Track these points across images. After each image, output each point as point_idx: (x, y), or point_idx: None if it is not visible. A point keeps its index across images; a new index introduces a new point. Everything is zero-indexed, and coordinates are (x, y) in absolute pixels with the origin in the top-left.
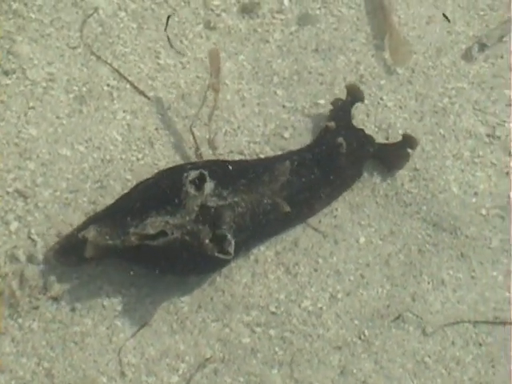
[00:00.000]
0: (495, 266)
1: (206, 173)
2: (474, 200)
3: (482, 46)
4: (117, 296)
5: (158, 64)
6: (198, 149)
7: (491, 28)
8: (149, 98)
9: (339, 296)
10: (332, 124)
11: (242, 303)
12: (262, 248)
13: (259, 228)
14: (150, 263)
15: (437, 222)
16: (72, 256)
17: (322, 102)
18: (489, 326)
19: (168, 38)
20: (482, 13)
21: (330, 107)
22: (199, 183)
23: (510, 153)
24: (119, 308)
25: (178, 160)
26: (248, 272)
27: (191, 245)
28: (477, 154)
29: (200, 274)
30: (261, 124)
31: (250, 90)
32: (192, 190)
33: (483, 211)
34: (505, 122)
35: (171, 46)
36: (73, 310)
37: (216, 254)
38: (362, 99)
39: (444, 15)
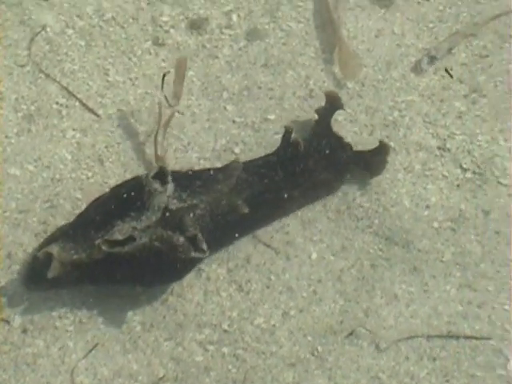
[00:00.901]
0: (448, 280)
1: (166, 168)
2: (425, 213)
3: (432, 59)
4: (68, 316)
5: (107, 81)
6: (158, 159)
7: (440, 40)
8: (98, 116)
9: (292, 313)
10: (290, 126)
11: (195, 321)
12: (214, 266)
13: (220, 229)
14: (117, 276)
15: (389, 235)
16: (42, 280)
17: (271, 117)
18: (442, 339)
19: (162, 87)
20: (430, 25)
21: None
22: (161, 181)
23: (460, 165)
24: (71, 328)
25: (128, 178)
26: (200, 290)
27: (160, 250)
28: (428, 167)
29: (167, 282)
30: (211, 140)
31: (199, 105)
32: (156, 185)
33: (435, 224)
34: (455, 134)
35: (165, 99)
36: (24, 331)
37: (192, 254)
38: (341, 106)
39: (446, 70)
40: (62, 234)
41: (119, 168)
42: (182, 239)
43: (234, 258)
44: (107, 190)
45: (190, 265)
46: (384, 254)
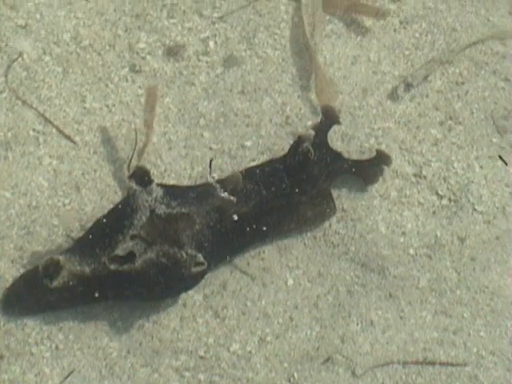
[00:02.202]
0: (424, 306)
1: (147, 168)
2: (401, 240)
3: (408, 86)
4: (45, 343)
5: (84, 108)
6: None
7: (416, 68)
8: (75, 143)
9: (268, 339)
10: (307, 133)
11: (171, 348)
12: (190, 292)
13: (225, 240)
14: (124, 292)
15: (365, 262)
16: (15, 307)
17: (248, 143)
18: (418, 366)
19: (210, 170)
20: (407, 52)
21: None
22: (144, 182)
23: (436, 192)
24: (47, 355)
25: (105, 205)
26: (176, 316)
27: (166, 266)
28: (404, 194)
29: (176, 294)
30: (188, 167)
31: (176, 132)
32: (133, 184)
33: (411, 251)
34: (431, 161)
35: (212, 178)
36: (1, 357)
37: (193, 269)
38: (337, 122)
39: (500, 157)
40: (68, 249)
41: (96, 195)
42: (183, 255)
43: (210, 284)
44: (84, 217)
45: (198, 276)
46: (360, 281)
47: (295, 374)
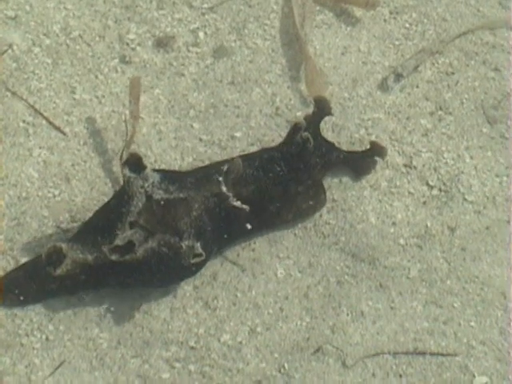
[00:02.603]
0: (414, 296)
1: (140, 155)
2: (392, 230)
3: (398, 76)
4: (35, 333)
5: (74, 99)
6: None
7: (406, 58)
8: (65, 134)
9: (258, 330)
10: (301, 121)
11: (161, 339)
12: (181, 282)
13: (225, 227)
14: (126, 280)
15: (355, 252)
16: (9, 296)
17: (238, 134)
18: (409, 356)
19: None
20: (397, 42)
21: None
22: (137, 169)
23: (426, 182)
24: (37, 346)
25: (94, 196)
26: (166, 307)
27: (167, 256)
28: (394, 184)
29: (180, 281)
30: (178, 157)
31: (166, 123)
32: (126, 171)
33: (401, 241)
34: (421, 151)
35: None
36: None
37: (192, 261)
38: (329, 112)
39: None
40: (71, 238)
41: (86, 186)
42: (182, 246)
43: (200, 275)
44: (74, 208)
45: (200, 263)
46: (350, 271)
47: (285, 365)
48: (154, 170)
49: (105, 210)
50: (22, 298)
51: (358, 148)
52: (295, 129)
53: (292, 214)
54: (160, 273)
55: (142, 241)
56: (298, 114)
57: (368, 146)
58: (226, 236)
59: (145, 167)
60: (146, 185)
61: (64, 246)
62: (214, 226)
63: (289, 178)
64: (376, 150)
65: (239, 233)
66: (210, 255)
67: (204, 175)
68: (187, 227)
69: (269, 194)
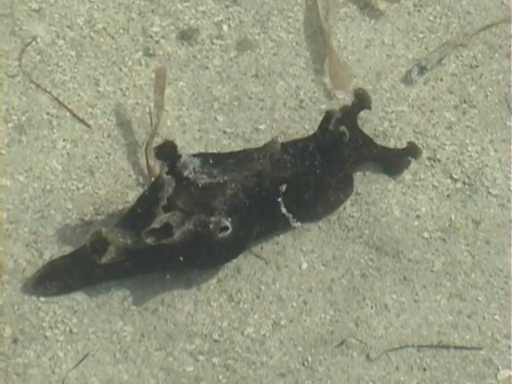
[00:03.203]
0: (438, 290)
1: (172, 141)
2: (416, 223)
3: (422, 69)
4: (58, 326)
5: (98, 91)
6: (149, 172)
7: (430, 51)
8: (89, 126)
9: (282, 323)
10: (333, 110)
11: (185, 331)
12: (205, 275)
13: (259, 207)
14: (169, 266)
15: (379, 245)
16: (53, 284)
17: (262, 127)
18: (433, 350)
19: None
20: (421, 35)
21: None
22: (171, 156)
23: (450, 175)
24: (61, 338)
25: (118, 188)
26: (190, 300)
27: (204, 236)
28: (418, 177)
29: (221, 264)
30: (202, 150)
31: (190, 116)
32: (152, 161)
33: (425, 234)
34: (445, 144)
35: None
36: (15, 341)
37: (219, 235)
38: (368, 105)
39: None
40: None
41: (110, 179)
42: (210, 220)
43: (224, 268)
44: (97, 200)
45: (240, 245)
46: (374, 264)
47: (309, 358)
48: (194, 156)
49: (145, 196)
50: (65, 285)
51: (392, 145)
52: (328, 117)
53: (322, 207)
54: (201, 254)
55: (179, 223)
56: (322, 106)
57: (404, 145)
58: (267, 217)
59: (179, 155)
60: (187, 172)
61: (105, 230)
62: (251, 204)
63: (322, 168)
64: (412, 151)
65: (280, 216)
66: (251, 233)
67: (245, 155)
68: (221, 205)
69: (305, 181)
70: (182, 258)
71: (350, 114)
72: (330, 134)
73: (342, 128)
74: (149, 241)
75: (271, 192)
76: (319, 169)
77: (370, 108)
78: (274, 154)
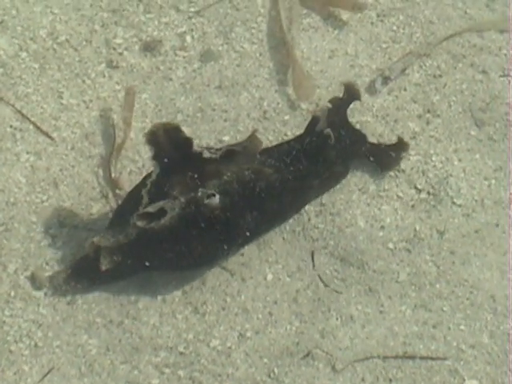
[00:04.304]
0: (403, 300)
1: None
2: (380, 234)
3: (385, 79)
4: (23, 340)
5: (61, 104)
6: (109, 187)
7: (394, 61)
8: (52, 139)
9: (248, 334)
10: (319, 112)
11: (151, 344)
12: (170, 287)
13: (251, 198)
14: (165, 259)
15: (344, 256)
16: (83, 279)
17: (226, 138)
18: (398, 360)
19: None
20: (384, 45)
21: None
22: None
23: (415, 186)
24: (26, 352)
25: (83, 201)
26: (156, 312)
27: (195, 216)
28: (382, 188)
29: (200, 266)
30: None
31: None
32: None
33: (390, 245)
34: (409, 155)
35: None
36: None
37: (206, 202)
38: (358, 98)
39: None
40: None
41: (74, 191)
42: (198, 192)
43: (189, 280)
44: (62, 213)
45: (221, 248)
46: (339, 275)
47: (275, 370)
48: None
49: (133, 193)
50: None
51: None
52: (313, 121)
53: (302, 206)
54: (195, 242)
55: (174, 210)
56: (317, 107)
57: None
58: (259, 210)
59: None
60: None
61: (96, 239)
62: (244, 194)
63: (307, 171)
64: (400, 146)
65: (272, 212)
66: (239, 224)
67: (231, 149)
68: (214, 187)
69: (288, 186)
70: (177, 248)
71: (340, 108)
72: (317, 137)
73: (328, 130)
74: (139, 223)
75: (263, 188)
76: (304, 172)
77: (360, 99)
78: (256, 144)
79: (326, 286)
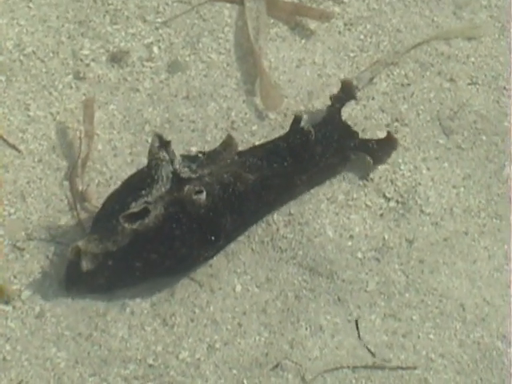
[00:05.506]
0: (372, 310)
1: (163, 137)
2: (349, 243)
3: None
4: None
5: (28, 116)
6: (75, 200)
7: (361, 70)
8: (19, 151)
9: (217, 346)
10: (299, 114)
11: (119, 357)
12: (138, 300)
13: (232, 199)
14: (147, 262)
15: (313, 266)
16: (82, 284)
17: (194, 149)
18: (368, 370)
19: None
20: (352, 54)
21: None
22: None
23: (383, 195)
24: None
25: (50, 213)
26: (124, 325)
27: (179, 216)
28: (351, 197)
29: (183, 271)
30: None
31: (121, 139)
32: (164, 154)
33: (359, 254)
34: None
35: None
36: None
37: (193, 198)
38: (354, 97)
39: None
40: (89, 231)
41: (41, 204)
42: (185, 188)
43: (157, 291)
44: (30, 226)
45: (202, 253)
46: (308, 285)
47: (245, 381)
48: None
49: (117, 196)
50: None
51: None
52: (295, 120)
53: (291, 199)
54: (176, 239)
55: (154, 208)
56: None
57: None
58: (238, 212)
59: (171, 149)
60: (175, 166)
61: (81, 243)
62: (224, 196)
63: (293, 167)
64: (390, 141)
65: (250, 212)
66: (224, 222)
67: (210, 152)
68: (196, 186)
69: (270, 183)
70: (162, 248)
71: (333, 106)
72: (299, 134)
73: (308, 127)
74: (126, 225)
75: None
76: (288, 170)
77: (355, 99)
78: (232, 144)
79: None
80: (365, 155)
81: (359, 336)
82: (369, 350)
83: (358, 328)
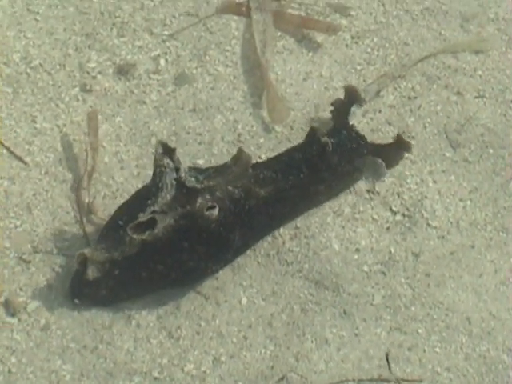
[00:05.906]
0: (378, 323)
1: (168, 144)
2: (355, 256)
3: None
4: None
5: (35, 128)
6: (81, 212)
7: (368, 83)
8: (26, 163)
9: (223, 359)
10: (315, 125)
11: (125, 369)
12: (144, 312)
13: (242, 214)
14: (153, 273)
15: (319, 279)
16: (87, 294)
17: (200, 161)
18: (373, 383)
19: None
20: (358, 67)
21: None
22: (169, 155)
23: (390, 208)
24: (0, 379)
25: (56, 226)
26: (130, 337)
27: (188, 228)
28: (357, 210)
29: (195, 280)
30: (140, 186)
31: (128, 151)
32: (167, 161)
33: (365, 267)
34: (384, 177)
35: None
36: None
37: (205, 213)
38: (360, 101)
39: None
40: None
41: (48, 216)
42: (197, 201)
43: (163, 304)
44: (36, 238)
45: (209, 266)
46: (314, 299)
47: None
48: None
49: (127, 208)
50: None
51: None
52: (312, 131)
53: (309, 209)
54: (184, 252)
55: (163, 219)
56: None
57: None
58: (248, 226)
59: (176, 156)
60: (180, 174)
61: (87, 251)
62: (235, 211)
63: (309, 178)
64: (401, 144)
65: (260, 226)
66: (232, 237)
67: (221, 166)
68: (207, 201)
69: (286, 195)
70: (169, 260)
71: (340, 111)
72: (316, 146)
73: (325, 139)
74: (134, 236)
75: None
76: (305, 181)
77: (360, 103)
78: (244, 159)
79: None
80: (377, 159)
81: (390, 369)
82: (391, 373)
83: (388, 361)
